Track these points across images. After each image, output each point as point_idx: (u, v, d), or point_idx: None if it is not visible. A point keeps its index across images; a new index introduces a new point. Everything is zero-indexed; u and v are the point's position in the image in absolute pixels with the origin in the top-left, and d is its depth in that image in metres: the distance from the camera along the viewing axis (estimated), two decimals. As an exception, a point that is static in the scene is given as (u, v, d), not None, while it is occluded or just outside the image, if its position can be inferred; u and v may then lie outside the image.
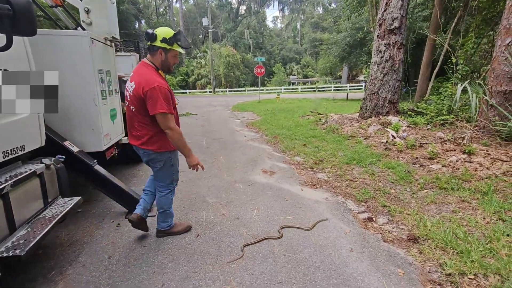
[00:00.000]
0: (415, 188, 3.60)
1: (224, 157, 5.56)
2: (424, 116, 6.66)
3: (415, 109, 7.27)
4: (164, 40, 2.18)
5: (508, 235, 2.42)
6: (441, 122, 6.04)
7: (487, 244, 2.33)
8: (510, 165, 3.73)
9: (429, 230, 2.60)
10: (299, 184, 4.02)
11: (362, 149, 5.31)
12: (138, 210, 2.51)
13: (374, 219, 2.97)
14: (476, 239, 2.40)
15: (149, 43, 2.23)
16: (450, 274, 2.06)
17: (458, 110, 6.15)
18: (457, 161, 4.11)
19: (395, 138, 5.52)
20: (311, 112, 11.08)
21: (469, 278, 2.00)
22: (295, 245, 2.51)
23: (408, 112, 7.18)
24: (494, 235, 2.44)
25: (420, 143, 4.95)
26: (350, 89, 31.11)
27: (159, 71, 2.28)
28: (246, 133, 8.20)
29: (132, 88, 2.17)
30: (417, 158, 4.52)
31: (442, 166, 4.09)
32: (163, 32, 2.20)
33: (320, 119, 9.14)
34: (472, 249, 2.26)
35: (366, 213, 3.13)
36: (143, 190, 2.67)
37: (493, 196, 3.09)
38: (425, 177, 3.82)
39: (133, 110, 2.22)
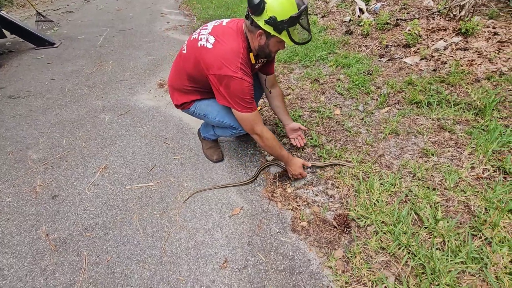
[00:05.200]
0: (372, 104, 2.25)
1: (115, 62, 3.74)
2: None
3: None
4: (272, 21, 1.19)
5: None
6: (434, -18, 4.10)
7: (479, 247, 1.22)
8: (526, 53, 2.33)
9: (375, 203, 1.44)
10: (201, 106, 2.57)
11: (313, 36, 3.60)
12: None
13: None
14: (455, 233, 1.27)
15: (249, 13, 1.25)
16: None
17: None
18: (445, 48, 2.63)
19: (363, 13, 3.73)
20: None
21: None
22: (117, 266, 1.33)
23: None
24: (491, 213, 1.31)
25: (397, 19, 3.26)
26: None
27: (250, 54, 1.38)
28: (172, 18, 5.95)
29: (204, 42, 1.34)
30: (387, 46, 2.97)
31: (422, 59, 2.64)
32: (278, 7, 1.17)
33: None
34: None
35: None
36: None
37: (492, 118, 1.84)
38: (392, 81, 2.42)
39: (184, 53, 1.49)
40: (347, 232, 1.36)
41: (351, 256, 1.25)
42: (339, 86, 2.52)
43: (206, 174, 1.82)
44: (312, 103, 2.36)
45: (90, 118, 2.51)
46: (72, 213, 1.60)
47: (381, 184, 1.54)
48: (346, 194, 1.54)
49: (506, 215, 1.28)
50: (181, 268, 1.29)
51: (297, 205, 1.55)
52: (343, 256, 1.27)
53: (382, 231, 1.30)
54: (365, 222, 1.36)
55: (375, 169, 1.64)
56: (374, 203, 1.43)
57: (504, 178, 1.46)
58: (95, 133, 2.29)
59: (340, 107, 2.28)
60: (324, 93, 2.49)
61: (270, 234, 1.41)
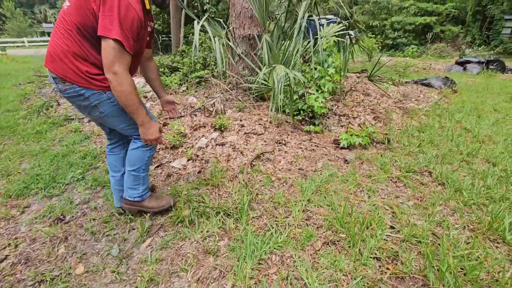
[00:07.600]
0: (133, 237, 1.77)
1: None
2: (179, 72, 5.11)
3: (171, 64, 5.60)
4: None
5: None
6: (197, 80, 4.69)
7: None
8: (265, 141, 2.72)
9: None
10: None
11: (70, 149, 2.92)
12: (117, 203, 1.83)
13: None
14: None
15: None
16: None
17: (213, 62, 5.00)
18: (206, 146, 2.70)
19: (133, 114, 3.52)
20: (35, 76, 7.02)
21: None
22: None
23: (163, 69, 5.39)
24: None
25: (165, 119, 3.24)
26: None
27: None
28: None
29: None
30: (157, 150, 2.76)
31: (188, 160, 2.55)
32: None
33: (40, 87, 5.65)
34: None
35: None
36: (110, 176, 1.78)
37: (248, 222, 1.79)
38: (163, 193, 2.09)
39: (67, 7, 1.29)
40: None
41: None
42: (92, 220, 1.90)
43: None
44: (44, 266, 1.57)
45: None
46: None
47: None
48: None
49: None
50: None
51: None
52: None
53: None
54: None
55: None
56: None
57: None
58: None
59: (85, 260, 1.62)
60: (67, 238, 1.77)
61: None
